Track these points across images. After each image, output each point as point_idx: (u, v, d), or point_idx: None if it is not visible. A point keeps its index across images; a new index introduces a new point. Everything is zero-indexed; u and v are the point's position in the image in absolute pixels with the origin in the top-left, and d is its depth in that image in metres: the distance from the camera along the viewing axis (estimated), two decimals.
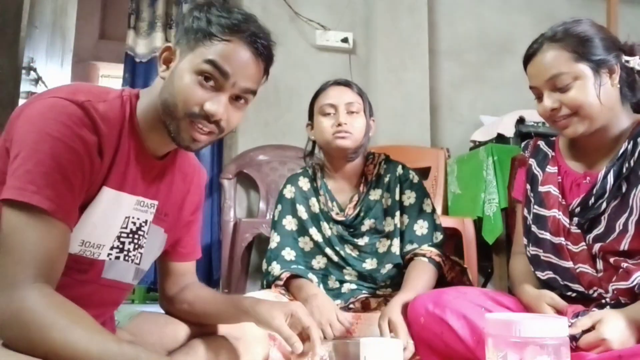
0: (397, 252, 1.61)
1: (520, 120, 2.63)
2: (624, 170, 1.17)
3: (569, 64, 1.17)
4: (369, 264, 1.62)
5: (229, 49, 0.96)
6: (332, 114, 1.63)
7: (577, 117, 1.18)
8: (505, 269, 2.35)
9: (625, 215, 1.14)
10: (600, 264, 1.18)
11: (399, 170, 1.69)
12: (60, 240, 0.87)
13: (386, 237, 1.64)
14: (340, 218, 1.66)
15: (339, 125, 1.60)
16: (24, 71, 2.72)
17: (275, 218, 1.72)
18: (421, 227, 1.62)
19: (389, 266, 1.61)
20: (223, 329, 1.19)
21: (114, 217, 1.00)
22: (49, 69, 3.08)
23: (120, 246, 1.02)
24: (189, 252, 1.22)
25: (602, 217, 1.18)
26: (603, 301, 1.17)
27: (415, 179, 1.70)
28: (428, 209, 1.65)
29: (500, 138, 2.66)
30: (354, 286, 1.62)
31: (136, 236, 1.04)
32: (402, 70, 3.15)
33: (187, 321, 1.17)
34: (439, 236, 1.62)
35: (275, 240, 1.68)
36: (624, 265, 1.13)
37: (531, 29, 3.36)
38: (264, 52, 1.01)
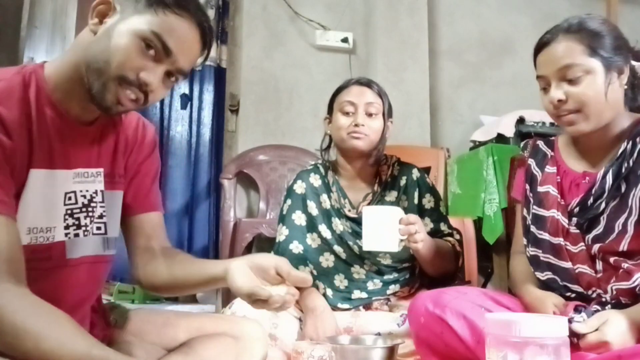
0: (411, 251, 1.62)
1: (520, 120, 2.63)
2: (623, 170, 1.16)
3: (583, 56, 1.16)
4: (382, 258, 1.63)
5: (178, 25, 0.94)
6: (351, 113, 1.63)
7: (581, 114, 1.17)
8: (506, 269, 2.35)
9: (625, 215, 1.14)
10: (599, 265, 1.17)
11: (416, 173, 1.71)
12: (6, 232, 0.83)
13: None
14: (352, 215, 1.65)
15: (356, 125, 1.61)
16: None
17: (284, 212, 1.71)
18: (443, 228, 1.68)
19: (403, 264, 1.63)
20: (222, 328, 1.19)
21: (53, 197, 0.95)
22: None
23: (77, 222, 0.99)
24: (146, 203, 1.14)
25: (602, 217, 1.17)
26: (603, 299, 1.17)
27: (431, 183, 1.74)
28: (444, 212, 1.71)
29: (500, 138, 2.65)
30: (364, 295, 1.62)
31: (90, 208, 1.01)
32: (402, 70, 3.14)
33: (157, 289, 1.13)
34: (456, 235, 1.68)
35: (283, 233, 1.67)
36: (625, 265, 1.13)
37: (531, 29, 3.38)
38: (208, 36, 0.99)
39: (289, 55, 3.13)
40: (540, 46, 1.23)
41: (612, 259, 1.15)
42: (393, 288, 1.63)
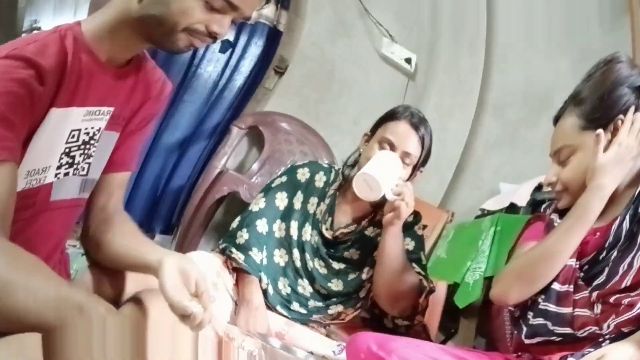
0: (364, 277, 1.54)
1: (538, 188, 2.52)
2: (639, 211, 1.12)
3: (575, 134, 1.17)
4: (334, 285, 1.55)
5: None
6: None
7: (566, 193, 1.20)
8: (473, 331, 2.31)
9: (632, 254, 1.10)
10: (597, 308, 1.12)
11: (409, 217, 1.53)
12: (9, 182, 0.84)
13: (359, 268, 1.55)
14: (327, 234, 1.55)
15: None
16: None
17: (272, 185, 1.62)
18: (415, 266, 1.53)
19: (353, 295, 1.54)
20: None
21: (59, 135, 0.95)
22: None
23: (70, 161, 0.98)
24: (118, 161, 1.12)
25: (605, 268, 1.13)
26: (600, 339, 1.11)
27: (420, 232, 1.60)
28: (424, 261, 1.57)
29: (512, 207, 2.57)
30: (303, 310, 1.53)
31: (87, 146, 1.01)
32: (448, 117, 3.00)
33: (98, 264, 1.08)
34: (431, 284, 1.53)
35: (259, 205, 1.59)
36: (626, 301, 1.08)
37: (570, 75, 2.94)
38: None
39: (352, 49, 3.06)
40: (555, 119, 1.25)
41: (612, 299, 1.10)
42: (335, 308, 1.54)
